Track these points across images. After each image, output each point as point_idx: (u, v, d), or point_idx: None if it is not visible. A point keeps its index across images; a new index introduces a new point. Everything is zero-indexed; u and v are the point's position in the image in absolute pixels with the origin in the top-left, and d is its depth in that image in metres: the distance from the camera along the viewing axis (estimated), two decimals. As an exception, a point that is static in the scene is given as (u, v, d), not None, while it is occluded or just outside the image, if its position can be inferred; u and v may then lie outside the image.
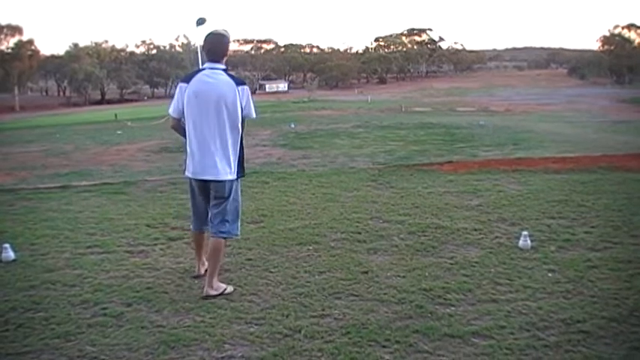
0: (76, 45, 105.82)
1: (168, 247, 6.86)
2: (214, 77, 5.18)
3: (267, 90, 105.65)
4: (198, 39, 5.80)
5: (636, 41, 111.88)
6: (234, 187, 5.36)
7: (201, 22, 6.05)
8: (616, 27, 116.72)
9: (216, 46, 5.30)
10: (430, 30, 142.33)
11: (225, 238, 5.41)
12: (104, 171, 15.07)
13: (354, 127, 27.58)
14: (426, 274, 5.77)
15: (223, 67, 5.28)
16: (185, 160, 5.43)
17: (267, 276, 5.79)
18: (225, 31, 5.39)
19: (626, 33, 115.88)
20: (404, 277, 5.70)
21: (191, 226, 5.85)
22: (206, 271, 5.59)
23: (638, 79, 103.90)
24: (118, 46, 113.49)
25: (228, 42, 5.40)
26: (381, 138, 21.90)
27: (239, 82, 5.28)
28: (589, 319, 4.64)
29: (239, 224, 5.55)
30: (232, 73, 5.45)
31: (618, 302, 5.00)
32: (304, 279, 5.68)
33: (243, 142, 5.41)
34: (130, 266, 6.18)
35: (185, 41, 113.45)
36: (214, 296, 5.19)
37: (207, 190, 5.38)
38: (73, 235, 7.43)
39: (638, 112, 50.33)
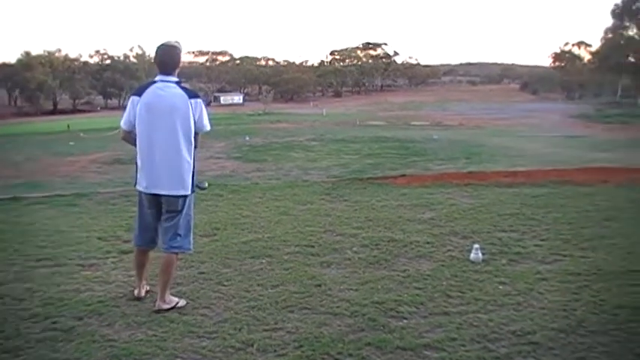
0: (28, 53, 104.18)
1: (120, 261, 6.77)
2: (166, 90, 5.10)
3: (222, 102, 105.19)
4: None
5: (586, 58, 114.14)
6: (187, 201, 5.31)
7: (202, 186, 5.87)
8: (566, 44, 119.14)
9: (167, 58, 5.22)
10: (385, 44, 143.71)
11: (177, 253, 5.35)
12: (56, 182, 14.93)
13: (309, 140, 27.70)
14: (379, 287, 5.80)
15: (176, 79, 5.21)
16: (136, 173, 5.37)
17: (219, 289, 5.76)
18: (177, 42, 5.31)
19: (576, 50, 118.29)
20: (357, 290, 5.71)
21: (133, 242, 5.71)
22: (147, 292, 5.54)
23: (588, 94, 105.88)
24: (72, 56, 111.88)
25: (179, 54, 5.31)
26: (335, 151, 22.04)
27: (192, 94, 5.21)
28: (539, 331, 4.72)
29: (191, 238, 5.49)
30: (186, 85, 5.41)
31: (567, 314, 5.09)
32: (257, 292, 5.66)
33: (196, 155, 5.36)
34: (81, 279, 6.08)
35: (140, 52, 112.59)
36: (166, 310, 5.14)
37: (158, 205, 5.29)
38: (22, 248, 7.29)
39: (588, 127, 51.37)
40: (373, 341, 4.52)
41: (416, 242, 7.42)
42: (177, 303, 5.26)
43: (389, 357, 4.30)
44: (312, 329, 4.76)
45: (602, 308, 5.21)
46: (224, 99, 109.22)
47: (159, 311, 5.12)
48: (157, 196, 5.21)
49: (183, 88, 5.18)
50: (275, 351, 4.38)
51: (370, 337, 4.61)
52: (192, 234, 5.50)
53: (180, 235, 5.29)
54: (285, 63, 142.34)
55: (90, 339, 4.58)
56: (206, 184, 5.84)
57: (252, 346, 4.46)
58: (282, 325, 4.85)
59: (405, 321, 4.97)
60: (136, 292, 5.55)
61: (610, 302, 5.34)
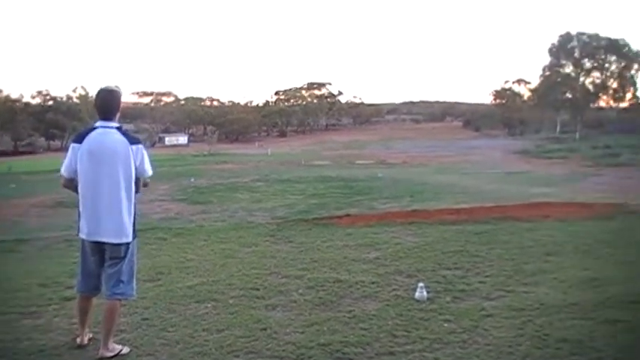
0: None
1: (62, 308, 6.62)
2: (107, 136, 5.07)
3: (166, 143, 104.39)
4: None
5: (526, 95, 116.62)
6: (130, 247, 5.25)
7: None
8: (506, 82, 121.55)
9: (107, 103, 5.20)
10: (329, 84, 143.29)
11: (120, 299, 5.28)
12: (-5, 228, 14.56)
13: (254, 180, 27.67)
14: (325, 328, 5.79)
15: (116, 124, 5.17)
16: (78, 220, 5.29)
17: (164, 335, 5.68)
18: (117, 87, 5.30)
19: (516, 87, 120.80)
20: (302, 332, 5.69)
21: (76, 289, 5.61)
22: (90, 340, 5.43)
23: (528, 130, 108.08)
24: (13, 96, 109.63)
25: (119, 98, 5.30)
26: (280, 192, 22.05)
27: (133, 140, 5.19)
28: (484, 368, 4.76)
29: (135, 284, 5.42)
30: (127, 128, 5.40)
31: (512, 350, 5.15)
32: (202, 337, 5.60)
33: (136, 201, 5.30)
34: (21, 328, 5.96)
35: (83, 92, 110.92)
36: (110, 358, 5.06)
37: (101, 252, 5.22)
38: (-40, 298, 7.11)
39: (529, 162, 52.29)
40: (319, 384, 4.51)
41: (361, 282, 7.44)
42: (121, 350, 5.18)
43: (335, 400, 4.29)
44: (257, 374, 4.73)
45: (546, 342, 5.30)
46: (169, 140, 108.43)
47: (102, 359, 5.02)
48: (99, 244, 5.14)
49: (124, 134, 5.15)
50: (220, 397, 4.34)
51: (316, 380, 4.60)
52: (135, 279, 5.43)
53: (123, 282, 5.22)
54: (230, 103, 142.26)
55: (30, 391, 4.48)
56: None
57: (197, 393, 4.40)
58: (228, 371, 4.80)
59: (351, 362, 4.97)
60: (78, 340, 5.43)
61: (553, 336, 5.43)
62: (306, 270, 8.21)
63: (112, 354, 5.10)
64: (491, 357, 4.99)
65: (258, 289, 7.22)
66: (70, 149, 5.21)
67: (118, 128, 5.17)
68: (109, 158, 5.04)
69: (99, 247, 5.19)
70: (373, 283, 7.43)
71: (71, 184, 5.26)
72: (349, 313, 6.28)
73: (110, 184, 5.06)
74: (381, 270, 8.11)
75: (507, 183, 26.81)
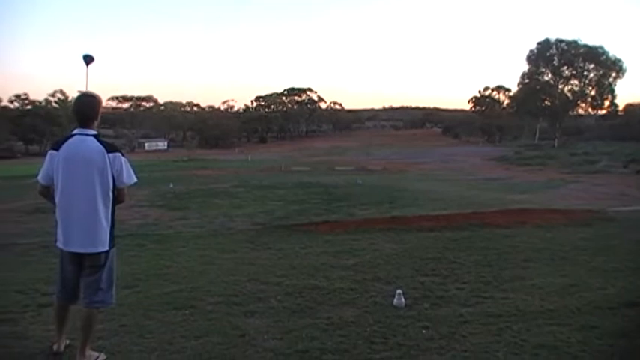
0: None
1: (39, 314, 6.54)
2: (84, 144, 4.96)
3: (146, 148, 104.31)
4: (85, 79, 5.48)
5: (505, 102, 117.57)
6: (109, 255, 5.18)
7: (89, 59, 5.68)
8: (486, 89, 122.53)
9: (85, 110, 5.09)
10: (310, 90, 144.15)
11: (98, 307, 5.22)
12: (-29, 234, 14.41)
13: (234, 186, 27.64)
14: (303, 335, 5.77)
15: (94, 132, 5.05)
16: (56, 228, 5.22)
17: (141, 342, 5.62)
18: (96, 93, 5.24)
19: (495, 94, 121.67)
20: (281, 339, 5.67)
21: (55, 297, 5.50)
22: (66, 347, 5.36)
23: (507, 137, 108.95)
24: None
25: (98, 105, 5.19)
26: (260, 198, 22.06)
27: (110, 149, 5.06)
28: (461, 375, 4.77)
29: (114, 292, 5.35)
30: (106, 133, 5.34)
31: (489, 356, 5.16)
32: (180, 344, 5.55)
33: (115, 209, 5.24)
34: (-4, 336, 5.88)
35: (62, 97, 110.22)
36: (86, 365, 5.00)
37: (79, 260, 5.12)
38: None
39: (507, 169, 52.71)
40: (297, 391, 4.50)
41: (340, 289, 7.43)
42: (98, 358, 5.11)
43: (313, 407, 4.28)
44: (235, 381, 4.71)
45: (523, 348, 5.32)
46: (148, 145, 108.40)
47: (78, 367, 4.97)
48: (78, 254, 5.07)
49: (102, 142, 5.03)
50: (197, 405, 4.32)
51: (294, 386, 4.59)
52: (114, 287, 5.36)
53: (102, 289, 5.12)
54: (210, 109, 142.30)
55: (5, 399, 4.44)
56: None
57: (173, 400, 4.38)
58: (205, 378, 4.78)
59: (328, 369, 4.96)
60: (55, 347, 5.35)
61: (530, 342, 5.46)
62: (285, 276, 8.19)
63: (88, 361, 5.04)
64: (468, 363, 5.01)
65: (236, 296, 7.19)
66: (47, 156, 5.11)
67: (96, 136, 5.07)
68: (85, 167, 4.94)
69: (77, 255, 5.11)
70: (351, 289, 7.43)
71: (48, 192, 5.16)
72: (327, 319, 6.26)
73: (86, 193, 4.97)
74: (359, 276, 8.11)
75: (486, 190, 26.99)
